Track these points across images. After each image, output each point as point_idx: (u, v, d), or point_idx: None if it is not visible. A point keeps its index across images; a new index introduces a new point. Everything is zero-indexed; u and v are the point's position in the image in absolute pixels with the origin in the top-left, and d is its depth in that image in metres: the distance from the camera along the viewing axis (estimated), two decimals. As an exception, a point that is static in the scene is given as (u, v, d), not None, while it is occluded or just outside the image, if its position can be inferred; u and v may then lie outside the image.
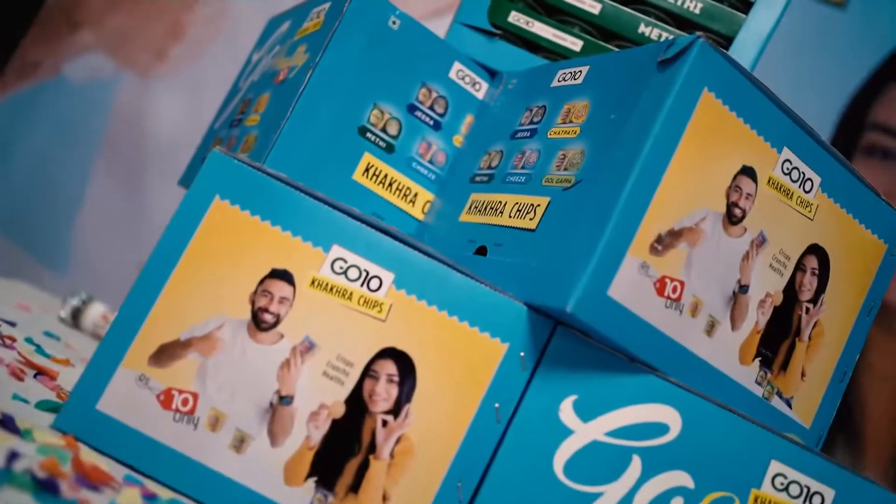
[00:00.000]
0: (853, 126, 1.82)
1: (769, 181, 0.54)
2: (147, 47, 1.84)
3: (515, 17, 0.71)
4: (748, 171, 0.53)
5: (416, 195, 0.68)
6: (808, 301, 0.57)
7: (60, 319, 0.95)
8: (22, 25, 1.90)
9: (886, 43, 1.83)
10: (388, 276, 0.51)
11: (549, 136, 0.58)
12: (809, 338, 0.57)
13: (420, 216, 0.68)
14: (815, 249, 0.57)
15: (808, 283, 0.56)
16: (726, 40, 0.70)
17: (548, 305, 0.50)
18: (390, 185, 0.67)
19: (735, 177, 0.53)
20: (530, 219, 0.55)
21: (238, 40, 1.80)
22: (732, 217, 0.53)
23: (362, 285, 0.51)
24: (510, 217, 0.57)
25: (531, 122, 0.61)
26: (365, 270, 0.51)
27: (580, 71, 0.60)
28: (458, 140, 0.69)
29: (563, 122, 0.58)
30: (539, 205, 0.55)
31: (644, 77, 0.53)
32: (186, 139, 1.52)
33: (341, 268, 0.51)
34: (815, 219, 0.56)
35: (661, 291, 0.51)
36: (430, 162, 0.68)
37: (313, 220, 0.51)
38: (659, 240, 0.50)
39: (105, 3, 1.86)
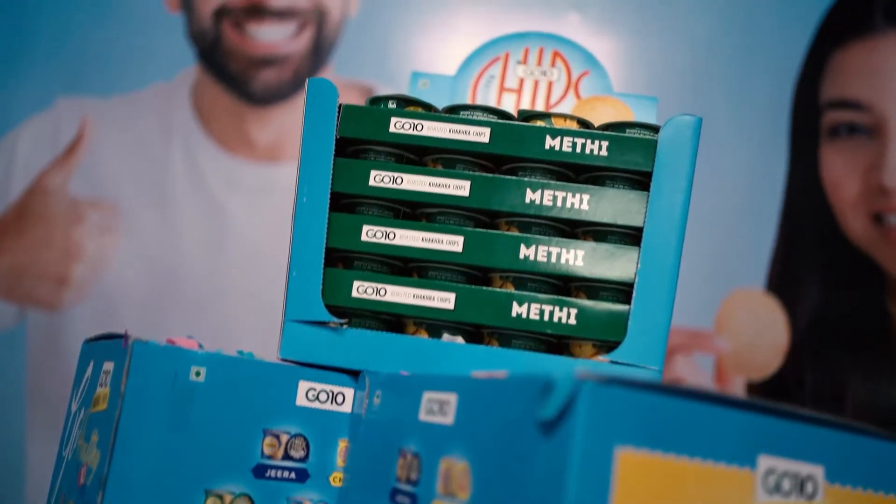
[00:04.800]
0: (809, 112, 1.66)
1: (754, 516, 0.37)
2: (45, 278, 1.68)
3: (361, 289, 0.54)
4: (720, 524, 0.36)
5: (303, 576, 0.50)
6: None
7: None
8: None
9: (812, 12, 1.67)
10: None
11: (431, 516, 0.41)
12: None
13: None
14: (848, 569, 0.39)
15: None
16: (636, 231, 0.53)
17: None
18: (263, 582, 0.49)
19: (704, 543, 0.35)
20: None
21: (137, 240, 1.64)
22: None
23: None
24: None
25: (408, 481, 0.44)
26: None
27: (448, 402, 0.42)
28: (336, 478, 0.52)
29: (446, 494, 0.40)
30: None
31: (527, 443, 0.36)
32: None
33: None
34: (835, 527, 0.39)
35: None
36: (309, 524, 0.51)
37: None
38: None
39: (-17, 250, 1.70)
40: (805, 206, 1.57)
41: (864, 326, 1.51)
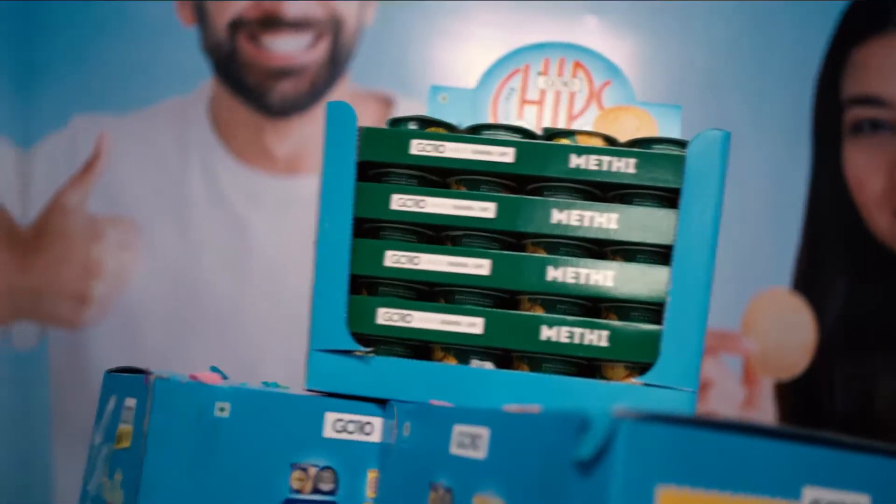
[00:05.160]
0: (831, 109, 1.63)
1: (801, 553, 0.35)
2: (66, 297, 1.68)
3: (387, 316, 0.53)
4: (767, 563, 0.34)
5: None
6: None
7: None
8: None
9: (830, 11, 1.64)
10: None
11: (467, 556, 0.40)
12: None
13: None
14: None
15: None
16: (665, 249, 0.52)
17: None
18: None
19: (751, 584, 0.34)
20: None
21: (157, 256, 1.64)
22: None
23: None
24: None
25: (441, 517, 0.43)
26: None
27: (480, 436, 0.41)
28: (366, 510, 0.51)
29: (480, 533, 0.39)
30: None
31: (563, 482, 0.35)
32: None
33: None
34: (885, 560, 0.37)
35: None
36: (339, 558, 0.50)
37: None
38: None
39: (2, 270, 1.70)
40: (829, 204, 1.55)
41: (892, 322, 1.49)
